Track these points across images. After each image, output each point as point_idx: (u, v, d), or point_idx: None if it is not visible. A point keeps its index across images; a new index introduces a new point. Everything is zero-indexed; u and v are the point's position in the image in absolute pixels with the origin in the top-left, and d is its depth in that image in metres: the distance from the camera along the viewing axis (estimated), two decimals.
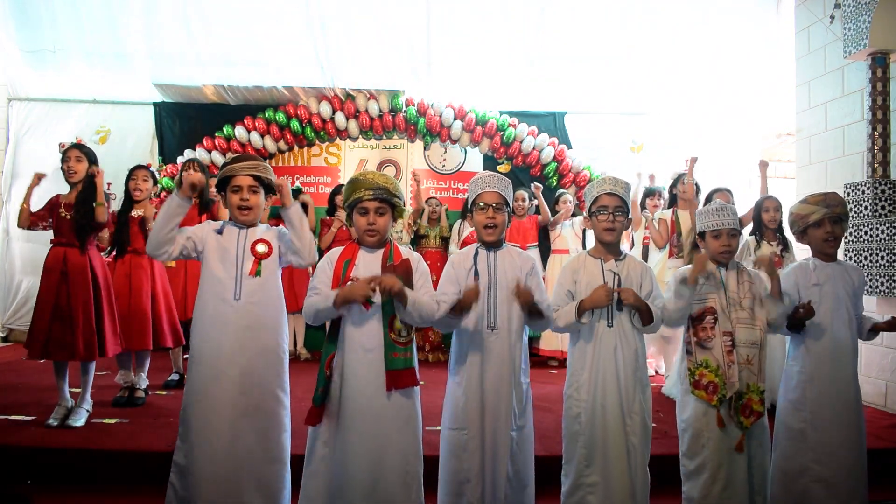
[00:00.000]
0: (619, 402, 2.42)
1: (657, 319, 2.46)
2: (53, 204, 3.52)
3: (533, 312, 2.43)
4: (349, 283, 2.29)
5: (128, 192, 4.00)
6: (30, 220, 3.53)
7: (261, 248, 2.48)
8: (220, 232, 2.50)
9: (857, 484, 2.60)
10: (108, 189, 5.58)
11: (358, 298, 2.23)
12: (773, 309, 2.56)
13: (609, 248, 2.55)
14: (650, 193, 5.43)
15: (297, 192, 5.88)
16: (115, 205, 4.44)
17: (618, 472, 2.38)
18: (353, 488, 2.22)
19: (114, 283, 3.75)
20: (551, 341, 5.58)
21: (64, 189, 3.57)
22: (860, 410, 2.66)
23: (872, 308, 4.08)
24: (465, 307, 2.32)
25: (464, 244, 5.53)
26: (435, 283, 2.50)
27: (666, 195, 5.15)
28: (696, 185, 4.78)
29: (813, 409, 2.61)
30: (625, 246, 5.29)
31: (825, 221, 2.67)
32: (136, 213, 3.94)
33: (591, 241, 4.10)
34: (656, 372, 5.28)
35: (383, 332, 2.29)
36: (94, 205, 3.43)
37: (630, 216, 2.57)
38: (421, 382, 2.44)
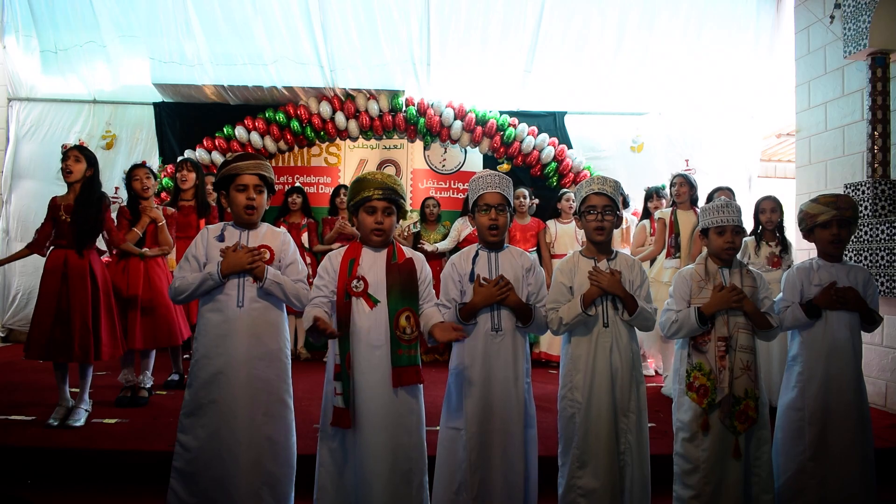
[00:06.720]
0: (614, 403, 2.41)
1: (641, 311, 2.44)
2: (52, 207, 3.52)
3: (521, 313, 2.43)
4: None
5: (132, 191, 3.98)
6: (41, 246, 3.56)
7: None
8: (220, 239, 2.47)
9: (860, 485, 2.58)
10: (116, 193, 5.58)
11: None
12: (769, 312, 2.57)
13: (600, 247, 2.54)
14: (653, 193, 5.40)
15: (296, 190, 5.88)
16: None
17: (610, 474, 2.37)
18: (366, 484, 2.22)
19: (132, 283, 3.82)
20: (543, 344, 5.59)
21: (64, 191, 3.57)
22: (864, 411, 2.64)
23: (873, 307, 4.07)
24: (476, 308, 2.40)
25: (465, 243, 5.54)
26: (435, 286, 2.49)
27: (667, 194, 5.13)
28: (691, 183, 4.75)
29: (811, 408, 2.62)
30: (626, 249, 5.29)
31: (832, 223, 2.67)
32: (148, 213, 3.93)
33: None
34: (656, 372, 5.27)
35: (389, 329, 2.28)
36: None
37: (620, 214, 2.55)
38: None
